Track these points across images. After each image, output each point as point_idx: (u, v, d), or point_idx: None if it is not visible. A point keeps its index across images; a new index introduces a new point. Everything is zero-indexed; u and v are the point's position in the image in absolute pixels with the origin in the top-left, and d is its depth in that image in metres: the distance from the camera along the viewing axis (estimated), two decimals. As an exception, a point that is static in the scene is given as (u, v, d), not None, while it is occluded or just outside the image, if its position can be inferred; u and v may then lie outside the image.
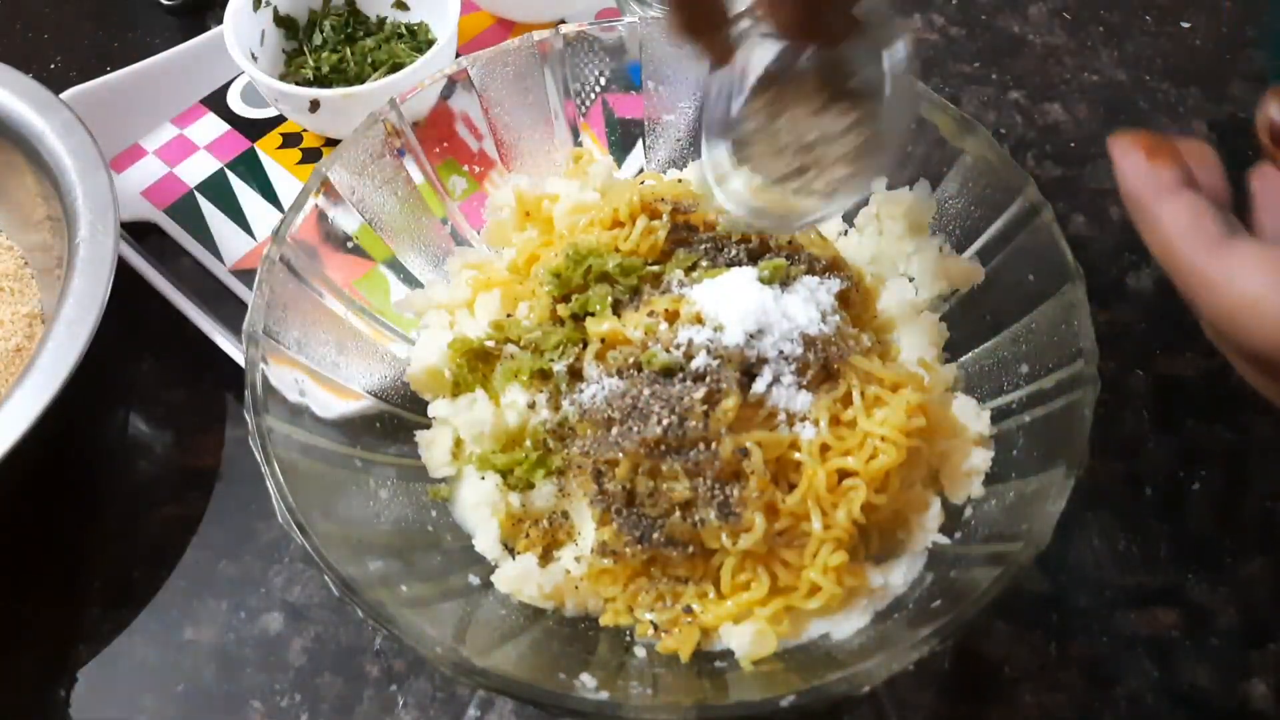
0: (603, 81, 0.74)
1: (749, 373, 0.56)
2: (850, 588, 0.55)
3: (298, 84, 0.81)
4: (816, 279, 0.61)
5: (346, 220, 0.66)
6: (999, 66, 0.90)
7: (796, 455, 0.55)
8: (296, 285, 0.62)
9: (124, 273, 0.68)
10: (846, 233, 0.71)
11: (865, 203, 0.70)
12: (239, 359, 0.66)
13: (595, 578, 0.57)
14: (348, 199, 0.66)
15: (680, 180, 0.70)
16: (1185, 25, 0.93)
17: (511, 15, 0.92)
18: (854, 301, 0.64)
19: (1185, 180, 0.42)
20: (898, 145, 0.55)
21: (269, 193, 0.82)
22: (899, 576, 0.56)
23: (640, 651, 0.56)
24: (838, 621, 0.56)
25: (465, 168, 0.73)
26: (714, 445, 0.54)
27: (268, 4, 0.84)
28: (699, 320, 0.57)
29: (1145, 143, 0.42)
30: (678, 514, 0.55)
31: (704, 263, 0.61)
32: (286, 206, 0.69)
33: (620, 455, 0.55)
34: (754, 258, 0.62)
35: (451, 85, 0.70)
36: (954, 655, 0.62)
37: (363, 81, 0.83)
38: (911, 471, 0.57)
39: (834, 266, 0.63)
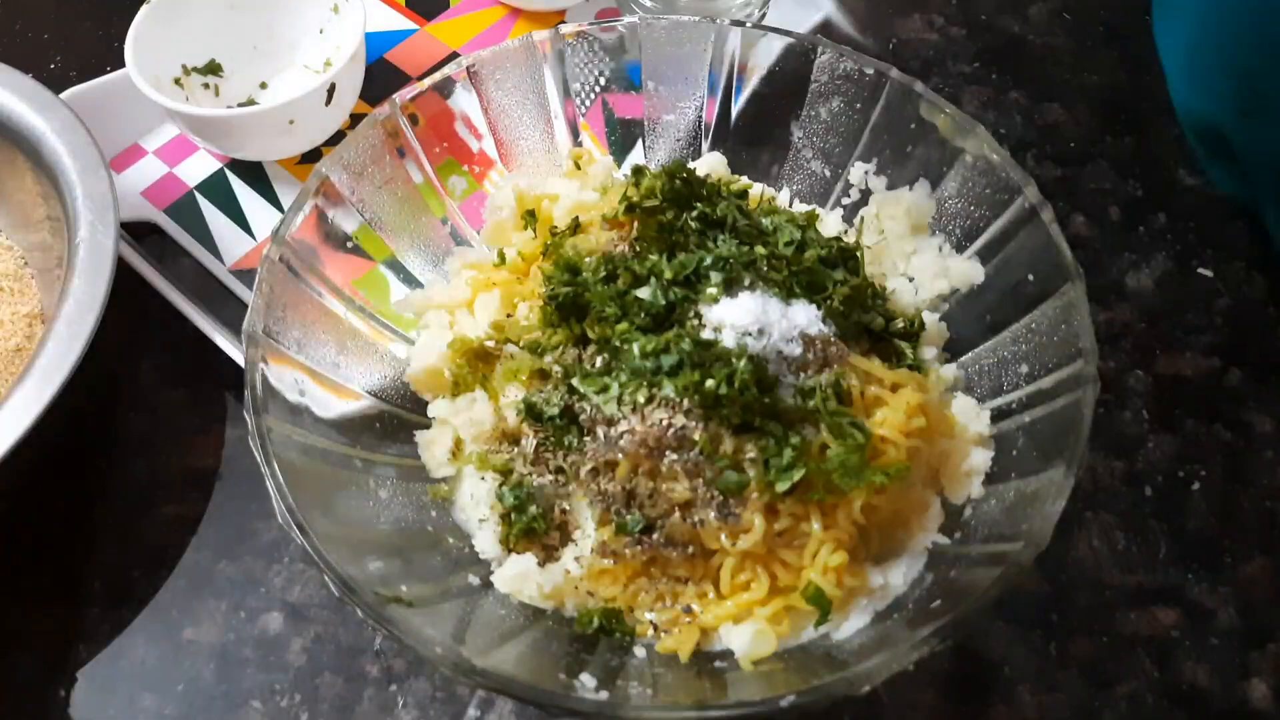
0: (602, 81, 0.74)
1: (749, 373, 0.56)
2: (850, 588, 0.55)
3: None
4: (816, 279, 0.61)
5: (346, 220, 0.67)
6: (999, 66, 0.90)
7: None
8: (296, 285, 0.62)
9: (124, 273, 0.68)
10: (846, 232, 0.71)
11: (865, 202, 0.70)
12: (239, 359, 0.66)
13: (595, 578, 0.57)
14: (348, 199, 0.66)
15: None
16: (1185, 25, 0.92)
17: (518, 3, 0.92)
18: (854, 301, 0.64)
19: None
20: None
21: (269, 193, 0.82)
22: (899, 576, 0.56)
23: (640, 651, 0.56)
24: (838, 621, 0.56)
25: (465, 168, 0.73)
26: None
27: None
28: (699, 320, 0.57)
29: None
30: (677, 514, 0.55)
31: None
32: (286, 206, 0.69)
33: (620, 456, 0.55)
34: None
35: (451, 85, 0.70)
36: (954, 655, 0.62)
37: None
38: (911, 471, 0.57)
39: (834, 266, 0.63)
